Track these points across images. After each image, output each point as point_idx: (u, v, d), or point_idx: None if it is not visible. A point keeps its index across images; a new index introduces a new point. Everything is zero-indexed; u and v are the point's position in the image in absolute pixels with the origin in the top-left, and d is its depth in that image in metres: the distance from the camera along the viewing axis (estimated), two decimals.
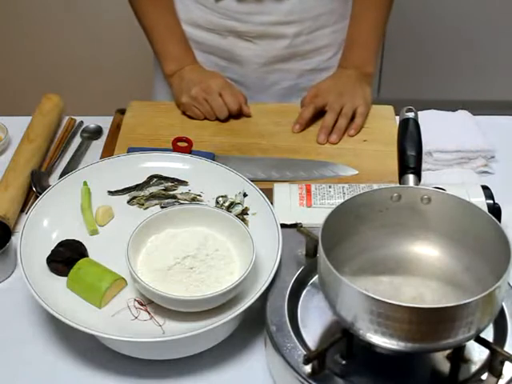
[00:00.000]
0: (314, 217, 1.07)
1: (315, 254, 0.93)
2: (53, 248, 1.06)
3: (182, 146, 1.28)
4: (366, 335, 0.86)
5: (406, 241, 1.01)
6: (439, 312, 0.81)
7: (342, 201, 0.96)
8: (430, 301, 0.94)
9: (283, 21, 1.43)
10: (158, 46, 1.47)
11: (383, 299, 0.82)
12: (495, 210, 1.13)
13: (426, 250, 1.01)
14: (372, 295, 0.82)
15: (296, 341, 0.93)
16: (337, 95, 1.38)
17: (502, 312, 0.95)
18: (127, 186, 1.17)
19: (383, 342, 0.85)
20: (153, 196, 1.16)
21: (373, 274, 0.99)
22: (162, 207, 1.14)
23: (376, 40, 1.47)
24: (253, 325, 1.03)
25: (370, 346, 0.88)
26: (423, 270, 0.99)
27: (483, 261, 0.94)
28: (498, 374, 0.89)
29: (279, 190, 1.17)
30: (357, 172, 1.27)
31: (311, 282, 1.03)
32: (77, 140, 1.43)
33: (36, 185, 1.27)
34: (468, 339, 0.86)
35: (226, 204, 1.14)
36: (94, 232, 1.11)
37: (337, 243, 0.95)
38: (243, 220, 1.11)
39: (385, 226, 1.00)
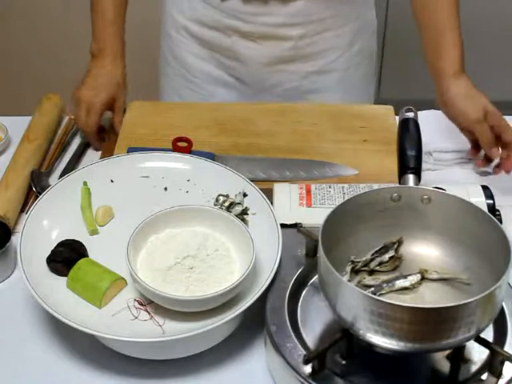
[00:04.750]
0: (314, 217, 1.07)
1: (315, 253, 0.93)
2: (53, 248, 1.06)
3: (181, 145, 1.28)
4: (366, 335, 0.86)
5: (406, 241, 1.01)
6: (439, 312, 0.81)
7: (342, 201, 0.96)
8: (430, 301, 0.94)
9: (288, 23, 1.42)
10: (97, 19, 1.45)
11: (383, 299, 0.82)
12: (495, 210, 1.12)
13: (426, 250, 1.01)
14: (372, 295, 0.82)
15: (296, 341, 0.93)
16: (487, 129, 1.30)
17: (502, 312, 0.95)
18: None
19: (383, 342, 0.85)
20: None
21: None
22: None
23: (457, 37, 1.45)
24: (253, 325, 1.03)
25: (370, 346, 0.88)
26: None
27: (483, 261, 0.94)
28: (497, 374, 0.89)
29: (279, 189, 1.17)
30: (357, 172, 1.27)
31: (311, 282, 1.03)
32: (77, 140, 1.43)
33: (36, 185, 1.27)
34: (468, 339, 0.86)
35: (226, 204, 1.14)
36: (94, 232, 1.11)
37: (337, 243, 0.95)
38: (243, 220, 1.11)
39: (385, 226, 1.00)
